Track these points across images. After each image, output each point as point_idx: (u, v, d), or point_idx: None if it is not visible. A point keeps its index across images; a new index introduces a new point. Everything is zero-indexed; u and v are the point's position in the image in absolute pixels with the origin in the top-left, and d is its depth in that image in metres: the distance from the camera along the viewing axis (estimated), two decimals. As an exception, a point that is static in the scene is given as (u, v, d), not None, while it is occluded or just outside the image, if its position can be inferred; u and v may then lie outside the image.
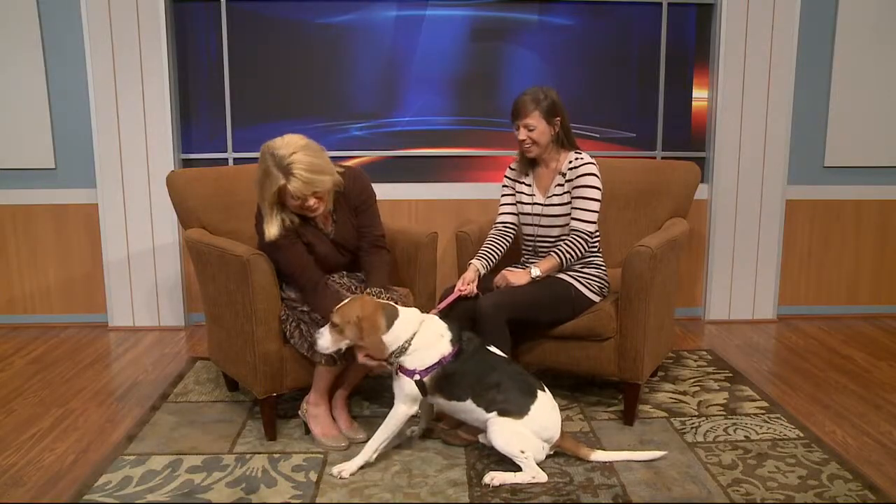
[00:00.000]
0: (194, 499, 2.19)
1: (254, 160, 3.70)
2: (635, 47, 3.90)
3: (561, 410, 2.78)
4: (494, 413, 2.30)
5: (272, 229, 2.43)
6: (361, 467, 2.34)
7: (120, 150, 3.73)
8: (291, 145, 2.38)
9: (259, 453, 2.47)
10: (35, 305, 3.95)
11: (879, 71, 3.89)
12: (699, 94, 3.96)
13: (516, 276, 2.60)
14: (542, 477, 2.27)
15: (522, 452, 2.28)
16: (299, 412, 2.63)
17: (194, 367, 3.29)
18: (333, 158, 3.62)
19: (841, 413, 2.82)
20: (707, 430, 2.64)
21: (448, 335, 2.34)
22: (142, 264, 3.84)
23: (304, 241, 2.53)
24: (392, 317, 2.30)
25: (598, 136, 3.92)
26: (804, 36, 3.82)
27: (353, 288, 2.58)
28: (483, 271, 2.70)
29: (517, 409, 2.30)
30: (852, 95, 3.91)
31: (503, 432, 2.29)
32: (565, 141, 2.70)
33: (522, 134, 2.65)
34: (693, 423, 2.70)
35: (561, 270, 2.67)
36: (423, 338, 2.32)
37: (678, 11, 3.87)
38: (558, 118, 2.66)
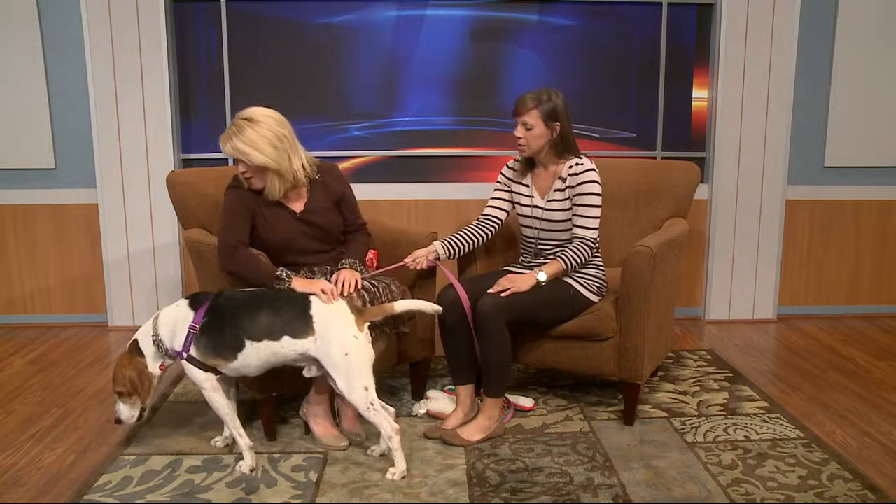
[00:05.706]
0: (194, 499, 2.19)
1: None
2: (635, 47, 3.90)
3: (561, 410, 2.80)
4: (286, 337, 2.26)
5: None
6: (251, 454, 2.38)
7: (120, 150, 3.73)
8: (253, 116, 2.45)
9: (259, 453, 2.46)
10: (35, 305, 3.95)
11: (879, 71, 3.89)
12: (699, 94, 3.96)
13: (522, 281, 2.57)
14: (395, 426, 2.29)
15: (372, 405, 2.26)
16: (299, 412, 2.63)
17: (194, 367, 3.28)
18: (333, 158, 3.64)
19: (841, 413, 2.83)
20: (707, 430, 2.64)
21: (185, 303, 2.33)
22: (142, 264, 3.84)
23: (264, 220, 2.55)
24: (137, 348, 2.34)
25: (598, 136, 3.92)
26: (804, 36, 3.82)
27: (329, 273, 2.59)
28: (442, 253, 2.72)
29: (298, 321, 2.27)
30: (852, 95, 3.91)
31: (347, 376, 2.25)
32: (561, 147, 2.65)
33: (519, 131, 2.66)
34: (693, 423, 2.70)
35: (565, 275, 2.66)
36: (166, 322, 2.32)
37: (678, 11, 3.87)
38: (557, 123, 2.61)
